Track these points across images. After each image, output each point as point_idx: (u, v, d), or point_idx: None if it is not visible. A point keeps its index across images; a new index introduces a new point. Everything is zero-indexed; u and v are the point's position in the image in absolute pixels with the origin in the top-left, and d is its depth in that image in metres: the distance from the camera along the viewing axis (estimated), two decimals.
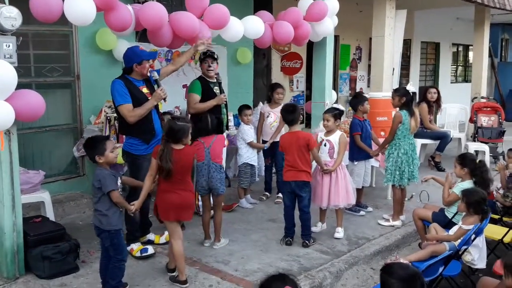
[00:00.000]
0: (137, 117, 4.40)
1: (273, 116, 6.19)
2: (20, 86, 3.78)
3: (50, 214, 4.90)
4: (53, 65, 5.79)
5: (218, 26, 4.93)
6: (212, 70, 5.37)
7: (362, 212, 5.77)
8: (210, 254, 4.58)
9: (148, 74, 4.60)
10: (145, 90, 4.58)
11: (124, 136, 4.70)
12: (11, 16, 3.66)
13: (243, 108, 6.19)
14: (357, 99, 5.96)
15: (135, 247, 4.55)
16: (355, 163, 5.75)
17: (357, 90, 11.25)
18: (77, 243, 4.29)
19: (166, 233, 4.75)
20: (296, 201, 4.85)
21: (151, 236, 4.84)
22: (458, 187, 4.62)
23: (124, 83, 4.42)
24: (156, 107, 4.64)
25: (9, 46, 3.75)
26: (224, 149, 5.68)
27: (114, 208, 3.64)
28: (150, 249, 4.52)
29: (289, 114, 4.82)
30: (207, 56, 5.37)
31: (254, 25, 5.34)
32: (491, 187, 4.74)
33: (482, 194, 4.11)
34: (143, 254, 4.47)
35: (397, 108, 5.45)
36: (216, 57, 5.42)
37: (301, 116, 4.97)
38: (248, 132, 6.09)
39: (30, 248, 4.06)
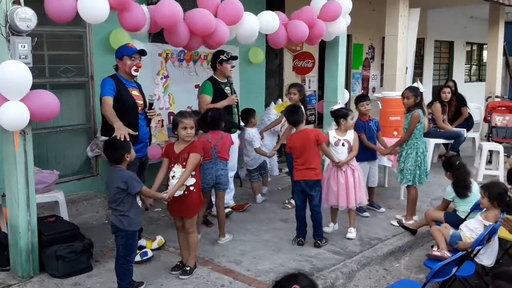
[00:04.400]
0: (104, 111, 4.28)
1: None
2: (34, 86, 3.82)
3: (64, 213, 4.95)
4: (67, 65, 5.83)
5: (232, 21, 4.92)
6: (232, 70, 5.47)
7: (366, 213, 5.71)
8: (222, 254, 4.59)
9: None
10: (134, 92, 4.52)
11: None
12: (26, 17, 3.70)
13: (250, 111, 6.27)
14: (356, 100, 5.99)
15: (144, 243, 4.60)
16: (358, 163, 5.72)
17: (370, 89, 11.20)
18: (91, 242, 4.32)
19: (158, 238, 4.78)
20: (307, 201, 4.85)
21: (142, 242, 4.65)
22: (445, 192, 4.83)
23: (114, 82, 4.39)
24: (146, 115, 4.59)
25: (24, 46, 3.78)
26: (236, 149, 5.74)
27: (135, 208, 3.67)
28: (149, 252, 4.46)
29: (293, 115, 4.85)
30: (231, 58, 5.41)
31: (269, 20, 5.30)
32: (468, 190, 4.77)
33: (503, 185, 4.21)
34: (144, 258, 4.39)
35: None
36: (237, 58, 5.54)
37: (304, 115, 4.96)
38: (257, 137, 6.13)
39: (44, 248, 4.10)
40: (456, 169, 4.84)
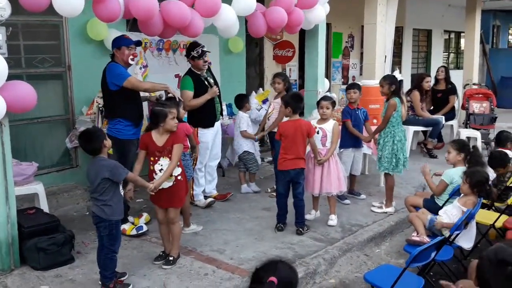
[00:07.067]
0: (148, 86, 4.85)
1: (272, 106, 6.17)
2: (10, 77, 3.75)
3: (44, 205, 4.89)
4: (43, 55, 5.74)
5: (209, 13, 4.90)
6: (206, 64, 5.44)
7: (346, 201, 5.77)
8: (205, 243, 4.60)
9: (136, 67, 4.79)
10: None
11: (108, 122, 4.77)
12: (0, 7, 3.62)
13: (244, 97, 6.36)
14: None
15: (127, 227, 4.65)
16: (341, 150, 5.78)
17: (350, 78, 11.27)
18: (72, 234, 4.29)
19: (145, 215, 4.97)
20: (291, 189, 4.88)
21: (130, 219, 4.90)
22: (446, 174, 4.68)
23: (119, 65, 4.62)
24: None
25: None
26: (219, 137, 5.75)
27: (117, 197, 3.65)
28: (145, 227, 4.62)
29: (299, 103, 4.88)
30: (204, 54, 5.33)
31: (246, 1, 5.20)
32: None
33: (485, 173, 4.22)
34: (139, 232, 4.57)
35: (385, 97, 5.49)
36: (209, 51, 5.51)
37: None
38: (245, 120, 6.12)
39: (24, 240, 4.05)
40: (472, 154, 4.67)
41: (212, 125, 5.50)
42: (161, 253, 4.24)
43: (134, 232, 4.64)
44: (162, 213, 4.15)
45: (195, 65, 5.39)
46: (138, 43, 4.88)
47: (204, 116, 5.37)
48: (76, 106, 5.97)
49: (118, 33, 6.05)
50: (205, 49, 5.36)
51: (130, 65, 4.79)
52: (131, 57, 4.72)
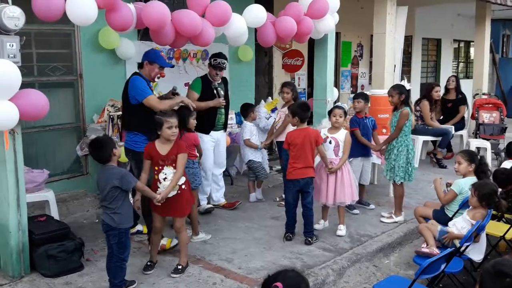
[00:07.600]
0: (166, 107, 4.56)
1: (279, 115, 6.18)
2: (23, 85, 3.79)
3: (54, 213, 4.93)
4: (55, 64, 5.80)
5: (220, 23, 4.94)
6: (218, 77, 5.54)
7: (355, 211, 5.75)
8: (213, 252, 4.61)
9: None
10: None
11: (126, 134, 4.76)
12: (14, 16, 3.68)
13: (249, 106, 6.36)
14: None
15: (165, 242, 4.59)
16: (350, 159, 5.76)
17: (359, 87, 11.27)
18: (82, 241, 4.32)
19: None
20: (300, 198, 4.88)
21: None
22: (456, 184, 4.64)
23: (146, 82, 4.59)
24: None
25: (12, 45, 3.76)
26: (224, 147, 5.78)
27: (126, 205, 3.68)
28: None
29: (306, 112, 4.88)
30: (219, 66, 5.44)
31: (256, 13, 5.28)
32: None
33: (494, 186, 4.20)
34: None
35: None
36: (225, 68, 5.61)
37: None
38: (249, 129, 6.13)
39: (35, 247, 4.08)
40: (480, 165, 4.65)
41: (207, 133, 5.53)
42: (149, 263, 4.22)
43: (174, 243, 4.57)
44: (160, 221, 4.17)
45: (210, 72, 5.54)
46: (172, 67, 5.24)
47: (200, 121, 5.37)
48: (87, 114, 6.02)
49: (130, 43, 6.15)
50: (223, 64, 5.50)
51: (153, 81, 4.84)
52: (158, 75, 4.82)
